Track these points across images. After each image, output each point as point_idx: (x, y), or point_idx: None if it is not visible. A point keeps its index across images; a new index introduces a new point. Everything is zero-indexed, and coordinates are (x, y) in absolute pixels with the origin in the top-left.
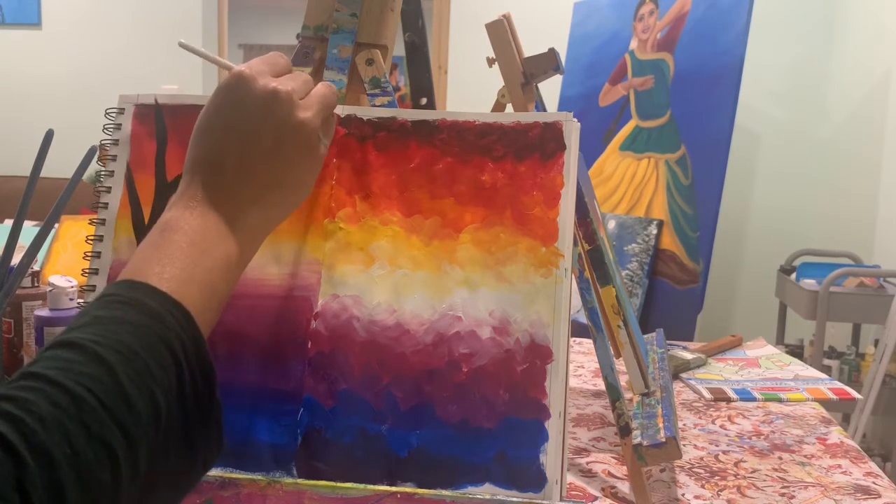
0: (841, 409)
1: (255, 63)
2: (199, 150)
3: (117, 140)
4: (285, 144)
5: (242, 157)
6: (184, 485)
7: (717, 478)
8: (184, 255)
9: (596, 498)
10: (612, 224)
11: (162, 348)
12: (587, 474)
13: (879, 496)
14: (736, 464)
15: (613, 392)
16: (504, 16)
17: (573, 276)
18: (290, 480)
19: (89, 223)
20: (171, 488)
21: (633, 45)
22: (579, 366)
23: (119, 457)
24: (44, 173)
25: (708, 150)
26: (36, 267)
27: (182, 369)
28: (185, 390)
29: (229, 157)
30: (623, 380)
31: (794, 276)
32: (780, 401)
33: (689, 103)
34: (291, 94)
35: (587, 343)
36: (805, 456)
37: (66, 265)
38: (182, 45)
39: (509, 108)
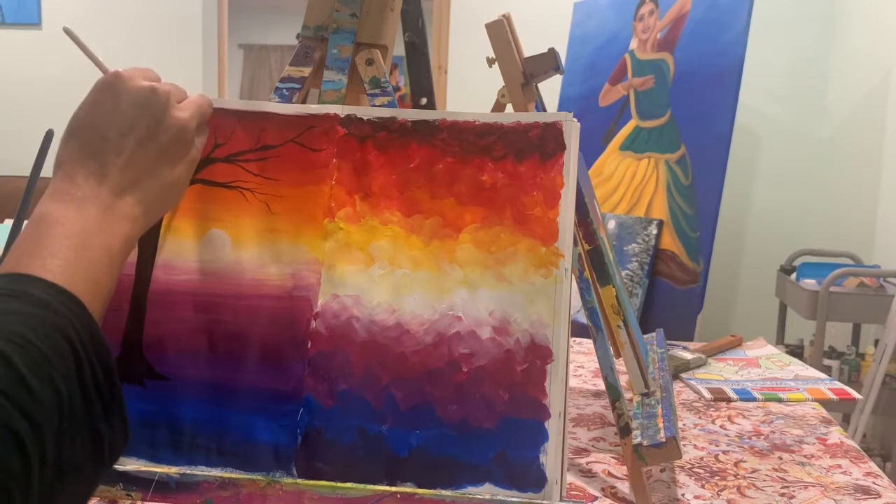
0: (841, 409)
1: (131, 69)
2: (74, 143)
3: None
4: (161, 139)
5: (119, 149)
6: (91, 477)
7: (717, 478)
8: (65, 247)
9: (596, 498)
10: (612, 224)
11: (57, 336)
12: (587, 474)
13: (879, 496)
14: (736, 464)
15: (613, 392)
16: (504, 16)
17: (573, 276)
18: (290, 480)
19: None
20: (80, 479)
21: (633, 45)
22: (579, 366)
23: (26, 443)
24: (44, 173)
25: (708, 150)
26: None
27: (80, 356)
28: (84, 378)
29: (106, 149)
30: (623, 380)
31: (794, 276)
32: (780, 401)
33: (689, 103)
34: (168, 94)
35: (587, 343)
36: (805, 456)
37: None
38: (66, 31)
39: (509, 108)
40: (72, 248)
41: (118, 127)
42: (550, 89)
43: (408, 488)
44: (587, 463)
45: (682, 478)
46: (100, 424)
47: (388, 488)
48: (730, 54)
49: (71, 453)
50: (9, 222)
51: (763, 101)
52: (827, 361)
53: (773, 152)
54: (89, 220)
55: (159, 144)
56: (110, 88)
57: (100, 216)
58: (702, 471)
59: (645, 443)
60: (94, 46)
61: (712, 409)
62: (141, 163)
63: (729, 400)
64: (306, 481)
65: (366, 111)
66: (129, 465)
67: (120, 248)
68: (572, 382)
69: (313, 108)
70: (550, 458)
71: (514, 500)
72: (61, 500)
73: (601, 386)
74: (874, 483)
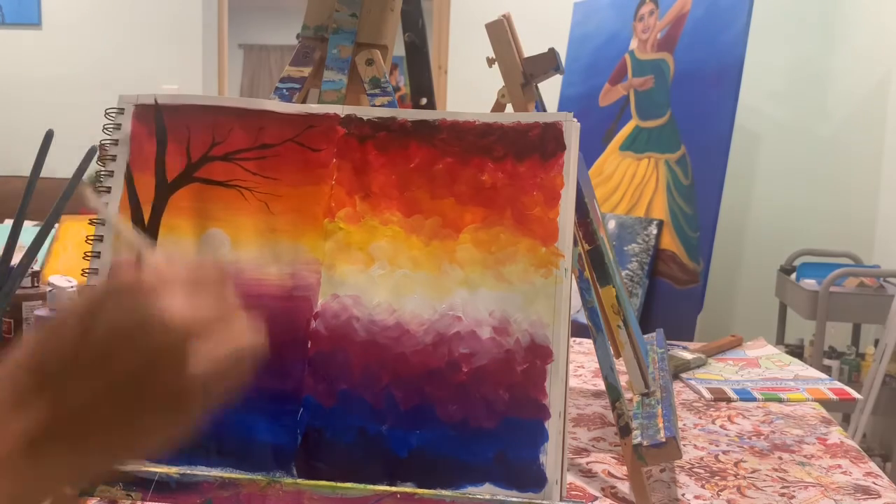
0: (841, 409)
1: (162, 269)
2: (35, 338)
3: (117, 140)
4: (146, 391)
5: (75, 386)
6: None
7: (717, 478)
8: None
9: (596, 498)
10: (612, 224)
11: None
12: (587, 474)
13: (879, 496)
14: (736, 464)
15: (613, 392)
16: (504, 16)
17: (573, 276)
18: (290, 480)
19: (89, 223)
20: None
21: (633, 45)
22: (579, 366)
23: None
24: (44, 173)
25: (708, 150)
26: (36, 267)
27: None
28: None
29: (57, 376)
30: (623, 380)
31: (794, 275)
32: (780, 401)
33: (689, 103)
34: (183, 343)
35: (587, 343)
36: (805, 456)
37: (66, 265)
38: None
39: (509, 108)
40: None
41: (95, 351)
42: (550, 89)
43: (408, 488)
44: (587, 463)
45: (682, 478)
46: None
47: (388, 488)
48: (730, 54)
49: None
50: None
51: (763, 101)
52: (827, 361)
53: (773, 152)
54: None
55: (150, 398)
56: (117, 295)
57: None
58: (702, 471)
59: (645, 443)
60: (93, 46)
61: (712, 409)
62: (110, 408)
63: (729, 400)
64: (306, 481)
65: (366, 111)
66: (128, 465)
67: None
68: (572, 382)
69: (313, 108)
70: (550, 458)
71: (514, 500)
72: None
73: (601, 386)
74: (874, 483)
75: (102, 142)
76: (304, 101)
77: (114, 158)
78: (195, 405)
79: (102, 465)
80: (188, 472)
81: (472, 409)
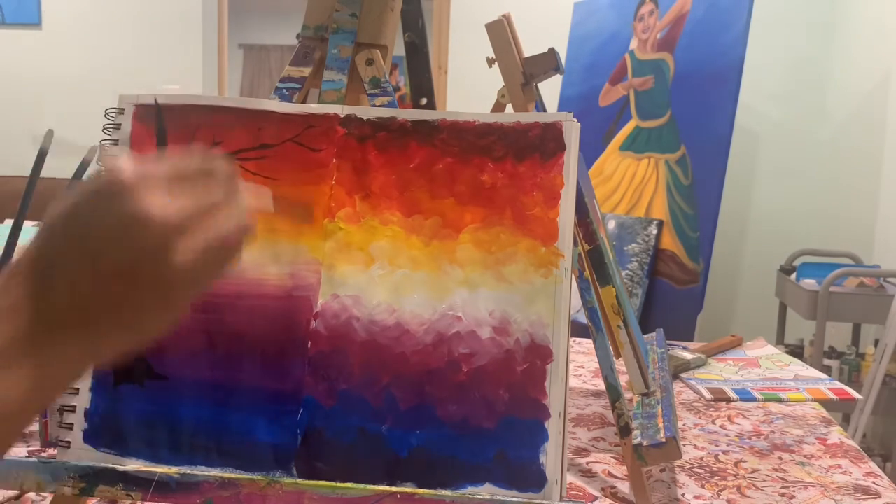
0: (841, 409)
1: (149, 165)
2: (33, 247)
3: (117, 140)
4: (141, 282)
5: (74, 279)
6: None
7: (717, 478)
8: None
9: (596, 498)
10: (612, 224)
11: None
12: (587, 474)
13: (879, 496)
14: (736, 464)
15: (613, 392)
16: (504, 16)
17: (573, 276)
18: (290, 480)
19: None
20: None
21: (633, 45)
22: (579, 366)
23: None
24: (44, 173)
25: (708, 150)
26: None
27: None
28: None
29: (60, 274)
30: (623, 380)
31: (794, 276)
32: (780, 401)
33: (689, 103)
34: (164, 233)
35: (587, 343)
36: (805, 456)
37: None
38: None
39: (509, 108)
40: None
41: (82, 252)
42: (550, 89)
43: (408, 488)
44: (587, 463)
45: (682, 478)
46: None
47: (388, 488)
48: (730, 54)
49: None
50: (9, 222)
51: (763, 101)
52: (827, 361)
53: (773, 152)
54: None
55: (139, 290)
56: (98, 197)
57: (9, 352)
58: (702, 471)
59: (645, 443)
60: (93, 46)
61: (712, 409)
62: (103, 300)
63: (729, 400)
64: (306, 481)
65: (366, 111)
66: (129, 465)
67: (19, 401)
68: (572, 382)
69: (313, 108)
70: (550, 458)
71: (514, 500)
72: None
73: (601, 386)
74: (874, 483)
75: (102, 142)
76: (304, 101)
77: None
78: (185, 293)
79: (109, 348)
80: (188, 472)
81: (472, 409)
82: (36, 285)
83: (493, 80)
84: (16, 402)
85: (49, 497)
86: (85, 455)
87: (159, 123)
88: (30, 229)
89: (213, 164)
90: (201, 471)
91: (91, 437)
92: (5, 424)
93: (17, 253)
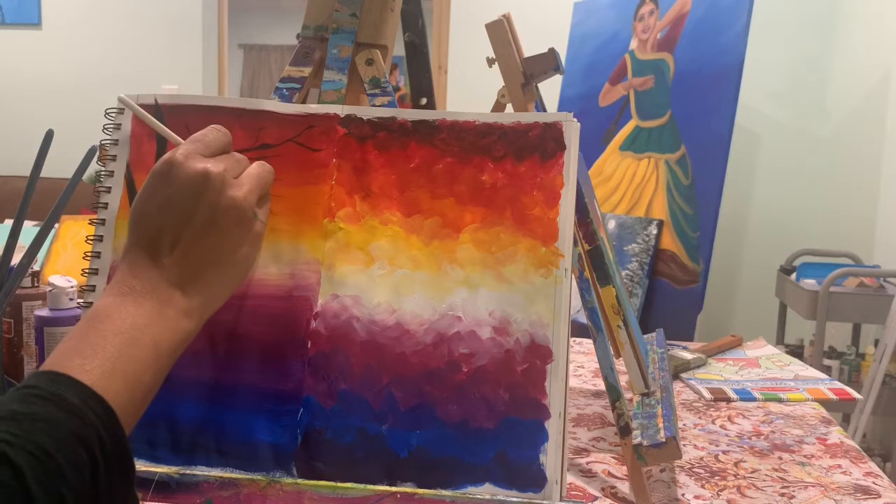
0: (841, 409)
1: (188, 145)
2: (134, 233)
3: (117, 140)
4: (219, 224)
5: (177, 239)
6: None
7: (717, 478)
8: (108, 346)
9: (596, 498)
10: (612, 224)
11: (78, 447)
12: (587, 474)
13: (879, 496)
14: (736, 464)
15: (613, 392)
16: (504, 16)
17: (573, 276)
18: (290, 480)
19: (89, 223)
20: None
21: (633, 45)
22: (579, 366)
23: None
24: (44, 173)
25: (708, 150)
26: (36, 267)
27: (98, 467)
28: (99, 487)
29: (163, 240)
30: (623, 380)
31: (794, 275)
32: (780, 401)
33: (689, 103)
34: (223, 175)
35: (587, 343)
36: (805, 456)
37: (66, 265)
38: (121, 100)
39: (509, 108)
40: (115, 347)
41: (173, 219)
42: (550, 89)
43: (408, 488)
44: (587, 463)
45: (682, 478)
46: None
47: (388, 488)
48: (730, 54)
49: None
50: (9, 222)
51: (763, 100)
52: (827, 361)
53: (772, 152)
54: (142, 315)
55: (219, 230)
56: (164, 178)
57: (153, 311)
58: (702, 471)
59: (645, 443)
60: (93, 46)
61: (712, 409)
62: (200, 253)
63: (729, 400)
64: (306, 481)
65: (366, 111)
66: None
67: (171, 344)
68: (572, 382)
69: (313, 108)
70: (550, 458)
71: (514, 500)
72: None
73: (601, 386)
74: (874, 483)
75: (102, 142)
76: (304, 101)
77: (114, 158)
78: (253, 228)
79: (216, 295)
80: (188, 472)
81: (472, 409)
82: (148, 261)
83: (493, 80)
84: (190, 334)
85: None
86: None
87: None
88: (30, 229)
89: (227, 134)
90: (201, 471)
91: None
92: (160, 363)
93: (22, 254)
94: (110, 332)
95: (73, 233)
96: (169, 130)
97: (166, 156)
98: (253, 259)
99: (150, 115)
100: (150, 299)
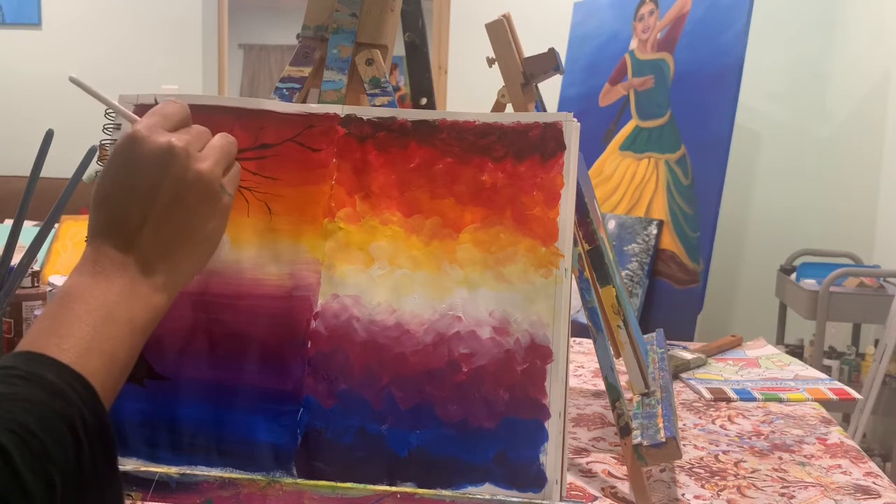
0: (841, 409)
1: (148, 119)
2: (100, 214)
3: (117, 140)
4: (186, 198)
5: (144, 217)
6: None
7: (717, 478)
8: (83, 324)
9: (596, 498)
10: (612, 224)
11: (61, 426)
12: (587, 474)
13: (879, 496)
14: (736, 464)
15: (613, 392)
16: (504, 16)
17: (573, 276)
18: (290, 480)
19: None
20: None
21: (633, 45)
22: (579, 366)
23: None
24: (44, 173)
25: (708, 150)
26: (36, 267)
27: (82, 445)
28: (83, 466)
29: (131, 217)
30: (623, 380)
31: (794, 276)
32: (780, 401)
33: (689, 103)
34: (187, 148)
35: (587, 343)
36: (805, 456)
37: (66, 265)
38: (72, 81)
39: (509, 108)
40: (90, 325)
41: (139, 196)
42: (550, 89)
43: (408, 488)
44: (587, 463)
45: (682, 478)
46: None
47: (388, 488)
48: (730, 54)
49: None
50: (9, 222)
51: (763, 101)
52: (827, 361)
53: (772, 152)
54: (113, 292)
55: (186, 205)
56: (126, 154)
57: (125, 288)
58: (702, 471)
59: (645, 443)
60: (93, 46)
61: (712, 409)
62: (169, 230)
63: (729, 400)
64: (306, 481)
65: (366, 111)
66: (129, 465)
67: (144, 319)
68: (572, 382)
69: (313, 108)
70: (550, 458)
71: (514, 500)
72: None
73: (601, 386)
74: (874, 483)
75: (102, 142)
76: (304, 101)
77: None
78: (221, 201)
79: (188, 270)
80: (188, 472)
81: (471, 409)
82: (116, 239)
83: (493, 80)
84: (162, 310)
85: None
86: None
87: None
88: (30, 229)
89: (185, 107)
90: (201, 471)
91: None
92: (135, 339)
93: (18, 252)
94: (84, 311)
95: (73, 233)
96: (123, 108)
97: (128, 131)
98: (221, 232)
99: (101, 93)
100: (120, 277)
